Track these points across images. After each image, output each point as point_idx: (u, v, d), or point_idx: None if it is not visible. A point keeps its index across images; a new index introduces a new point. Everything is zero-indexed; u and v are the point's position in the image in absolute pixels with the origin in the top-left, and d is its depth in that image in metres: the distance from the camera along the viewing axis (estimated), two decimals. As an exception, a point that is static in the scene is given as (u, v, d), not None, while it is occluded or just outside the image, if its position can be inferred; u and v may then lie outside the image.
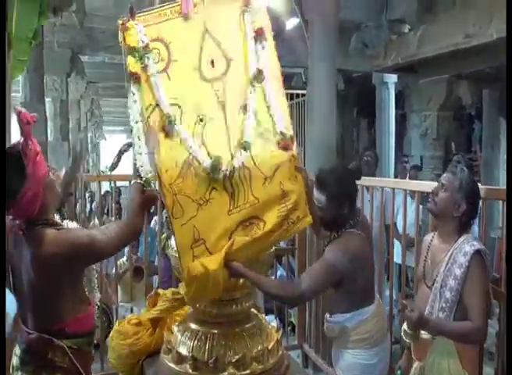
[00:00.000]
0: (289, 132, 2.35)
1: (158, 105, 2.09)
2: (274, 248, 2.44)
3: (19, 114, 1.75)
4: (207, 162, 2.12)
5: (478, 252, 2.07)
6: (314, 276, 2.19)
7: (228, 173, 2.16)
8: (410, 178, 7.02)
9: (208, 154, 2.15)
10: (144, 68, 2.09)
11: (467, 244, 2.10)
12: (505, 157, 7.23)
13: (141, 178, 2.08)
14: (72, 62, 8.36)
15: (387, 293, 3.71)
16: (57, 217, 2.32)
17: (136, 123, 2.09)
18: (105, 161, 17.52)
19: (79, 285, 2.03)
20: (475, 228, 4.57)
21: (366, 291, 2.37)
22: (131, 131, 2.14)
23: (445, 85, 5.22)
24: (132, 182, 2.21)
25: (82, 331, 1.99)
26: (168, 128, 2.09)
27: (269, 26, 2.41)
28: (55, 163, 6.28)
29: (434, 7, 5.39)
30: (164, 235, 5.20)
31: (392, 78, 8.92)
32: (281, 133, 2.31)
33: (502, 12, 4.19)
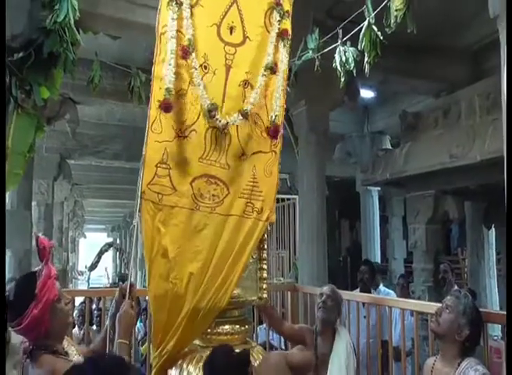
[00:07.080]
0: (279, 120, 2.49)
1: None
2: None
3: (37, 239, 1.86)
4: (205, 102, 2.26)
5: None
6: None
7: (220, 125, 2.29)
8: (398, 286, 6.99)
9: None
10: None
11: (471, 369, 2.06)
12: (490, 265, 7.28)
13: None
14: (60, 167, 8.41)
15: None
16: None
17: None
18: (84, 259, 17.12)
19: None
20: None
21: None
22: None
23: (432, 199, 5.34)
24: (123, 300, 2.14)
25: None
26: (186, 48, 2.22)
27: (290, 32, 2.58)
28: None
29: (416, 124, 5.63)
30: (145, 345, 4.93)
31: (375, 186, 9.15)
32: (271, 119, 2.46)
33: (482, 135, 4.42)
